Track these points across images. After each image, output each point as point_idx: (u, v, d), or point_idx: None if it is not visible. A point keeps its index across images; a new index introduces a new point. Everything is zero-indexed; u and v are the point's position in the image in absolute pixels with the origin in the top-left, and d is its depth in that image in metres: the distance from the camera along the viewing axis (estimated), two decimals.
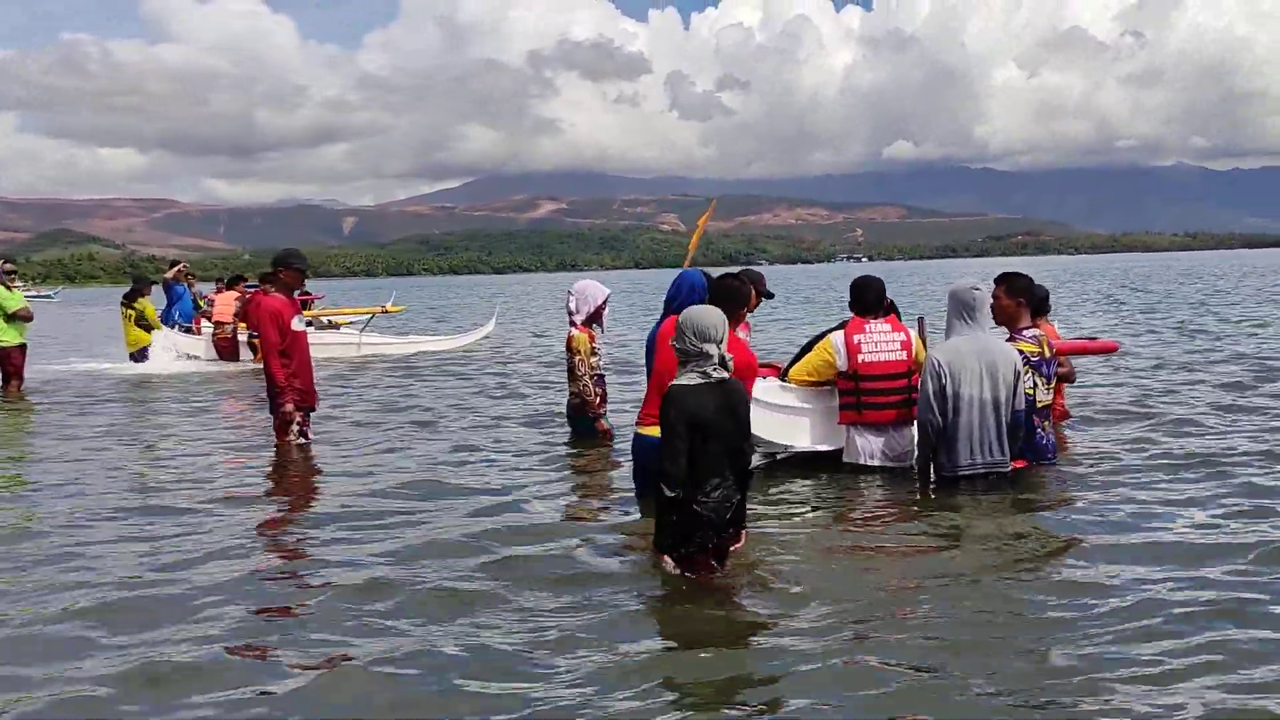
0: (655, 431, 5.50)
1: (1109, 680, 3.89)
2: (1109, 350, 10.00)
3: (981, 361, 6.79)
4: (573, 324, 9.17)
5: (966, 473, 6.88)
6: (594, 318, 9.18)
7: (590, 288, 9.36)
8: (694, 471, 5.08)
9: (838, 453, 7.74)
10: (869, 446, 7.56)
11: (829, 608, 4.80)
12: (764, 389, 7.77)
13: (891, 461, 7.54)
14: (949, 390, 6.79)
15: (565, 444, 9.20)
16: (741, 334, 8.42)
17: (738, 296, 6.47)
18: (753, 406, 7.40)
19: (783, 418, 7.71)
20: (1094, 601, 4.81)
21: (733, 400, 5.16)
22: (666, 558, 5.28)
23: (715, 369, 5.09)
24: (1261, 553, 5.45)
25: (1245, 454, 7.98)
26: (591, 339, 9.09)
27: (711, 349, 5.08)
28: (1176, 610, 4.67)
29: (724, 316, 5.27)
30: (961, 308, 6.96)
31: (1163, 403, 10.61)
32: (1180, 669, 4.02)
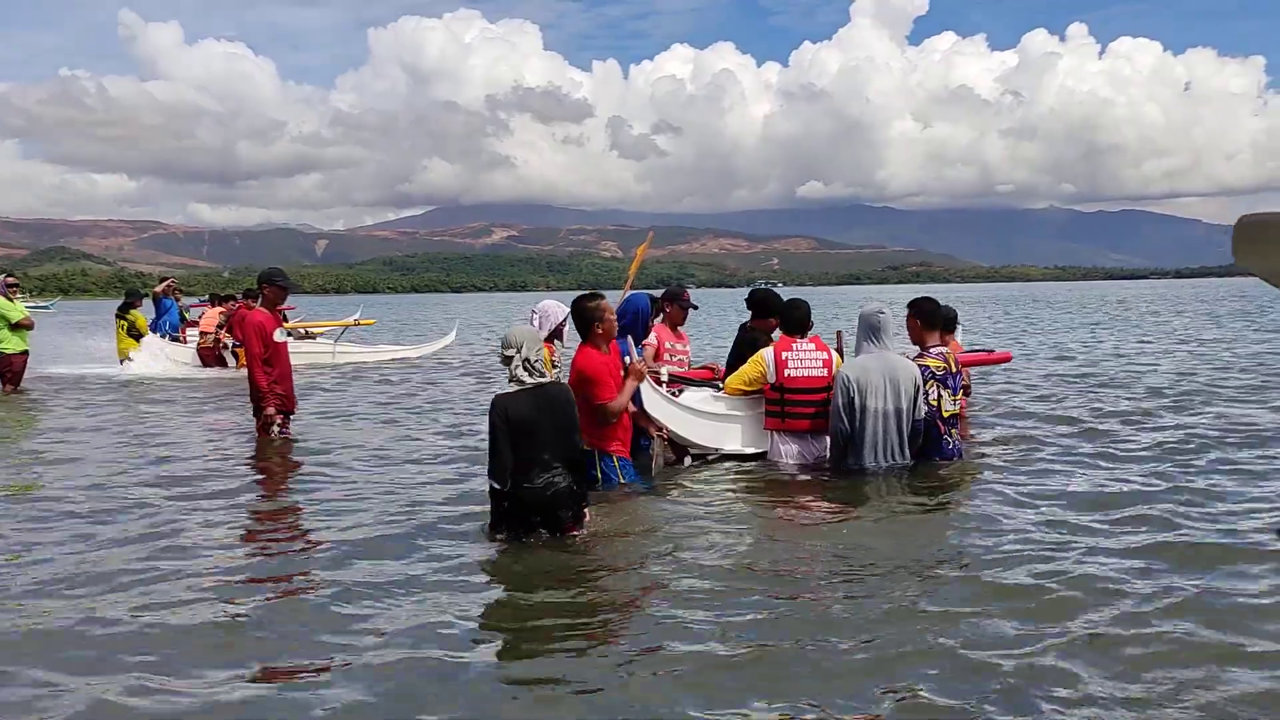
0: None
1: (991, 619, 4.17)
2: (1004, 360, 10.13)
3: (886, 377, 6.94)
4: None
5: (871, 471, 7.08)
6: (555, 334, 9.12)
7: (552, 307, 9.24)
8: (519, 465, 5.28)
9: (762, 453, 7.80)
10: (789, 450, 7.58)
11: (742, 576, 4.87)
12: (699, 399, 7.82)
13: (808, 464, 7.56)
14: (856, 403, 6.94)
15: None
16: (679, 345, 8.49)
17: (586, 316, 6.64)
18: (687, 415, 7.55)
19: (715, 424, 7.74)
20: (976, 550, 5.12)
21: (550, 401, 5.37)
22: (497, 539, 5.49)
23: (529, 375, 5.36)
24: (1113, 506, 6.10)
25: (1106, 444, 8.42)
26: (552, 353, 9.06)
27: (511, 353, 5.37)
28: (1041, 550, 5.19)
29: (533, 334, 5.53)
30: (869, 329, 7.10)
31: (1036, 404, 10.80)
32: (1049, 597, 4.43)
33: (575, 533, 5.47)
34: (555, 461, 5.37)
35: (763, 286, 8.14)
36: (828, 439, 7.51)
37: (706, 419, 7.73)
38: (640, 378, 6.74)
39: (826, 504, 6.43)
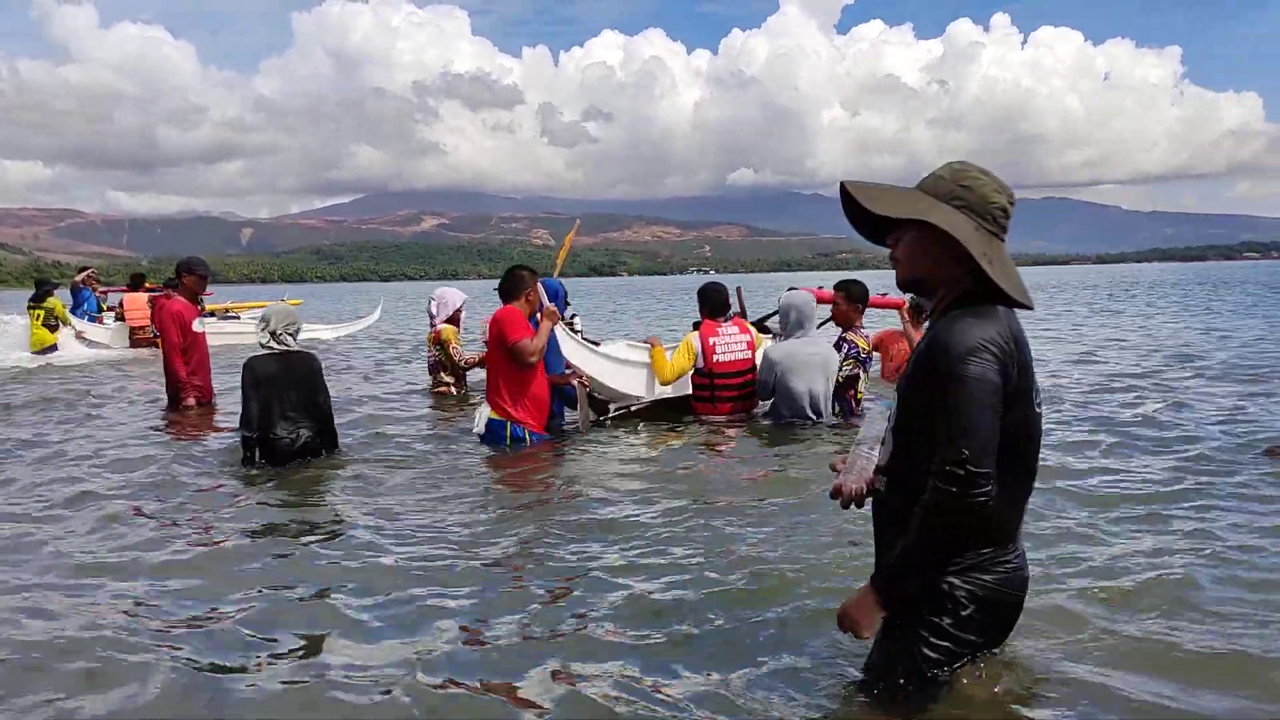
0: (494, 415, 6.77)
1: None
2: (899, 305, 10.13)
3: (808, 362, 7.28)
4: (433, 324, 9.71)
5: None
6: (453, 319, 9.63)
7: (450, 294, 9.87)
8: (267, 418, 6.24)
9: (679, 398, 7.96)
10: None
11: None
12: (616, 349, 8.17)
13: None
14: (780, 382, 7.28)
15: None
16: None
17: (520, 283, 6.92)
18: (605, 362, 7.80)
19: (632, 371, 7.91)
20: None
21: (295, 366, 6.37)
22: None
23: (276, 343, 6.34)
24: None
25: None
26: (455, 337, 9.73)
27: (262, 325, 6.40)
28: None
29: (283, 310, 6.45)
30: (795, 316, 7.42)
31: None
32: None
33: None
34: (301, 418, 6.36)
35: (713, 281, 8.39)
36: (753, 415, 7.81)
37: (624, 366, 7.91)
38: (554, 319, 6.93)
39: (745, 452, 6.72)
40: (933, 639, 2.55)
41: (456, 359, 9.63)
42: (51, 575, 4.37)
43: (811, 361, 7.29)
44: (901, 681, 2.60)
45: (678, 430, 7.58)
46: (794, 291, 7.73)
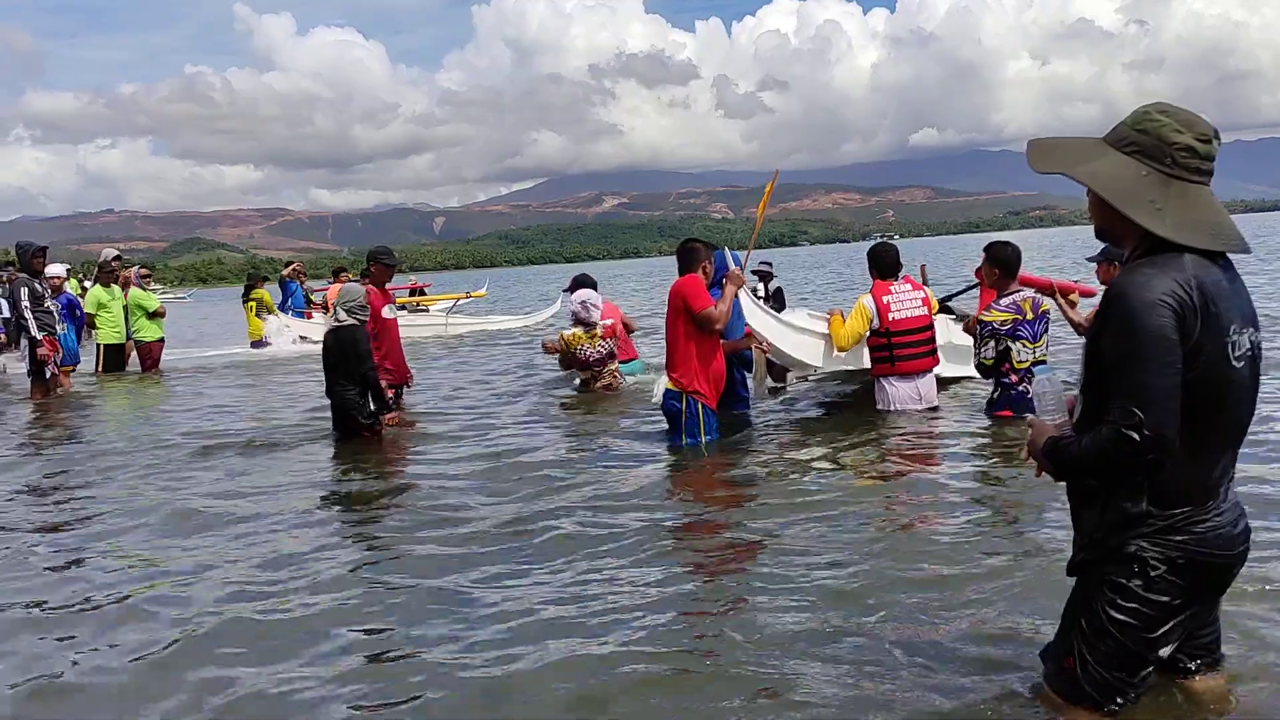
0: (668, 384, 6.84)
1: None
2: (1088, 294, 9.29)
3: None
4: (592, 322, 9.84)
5: None
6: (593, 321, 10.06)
7: (593, 297, 10.01)
8: (327, 378, 7.60)
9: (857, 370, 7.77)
10: (899, 394, 7.52)
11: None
12: (797, 316, 8.03)
13: (920, 405, 7.49)
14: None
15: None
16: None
17: (698, 254, 6.88)
18: (786, 329, 7.60)
19: (814, 340, 7.72)
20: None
21: (340, 338, 7.48)
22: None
23: (336, 319, 7.55)
24: None
25: None
26: (606, 332, 9.92)
27: (334, 302, 7.66)
28: None
29: (351, 289, 7.69)
30: None
31: None
32: None
33: (367, 435, 7.61)
34: (347, 381, 7.50)
35: (882, 241, 8.18)
36: (931, 377, 7.59)
37: (802, 334, 7.74)
38: (739, 283, 6.87)
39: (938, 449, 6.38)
40: (1119, 600, 2.40)
41: (605, 351, 9.87)
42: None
43: None
44: (1087, 642, 2.46)
45: (857, 426, 7.26)
46: None
